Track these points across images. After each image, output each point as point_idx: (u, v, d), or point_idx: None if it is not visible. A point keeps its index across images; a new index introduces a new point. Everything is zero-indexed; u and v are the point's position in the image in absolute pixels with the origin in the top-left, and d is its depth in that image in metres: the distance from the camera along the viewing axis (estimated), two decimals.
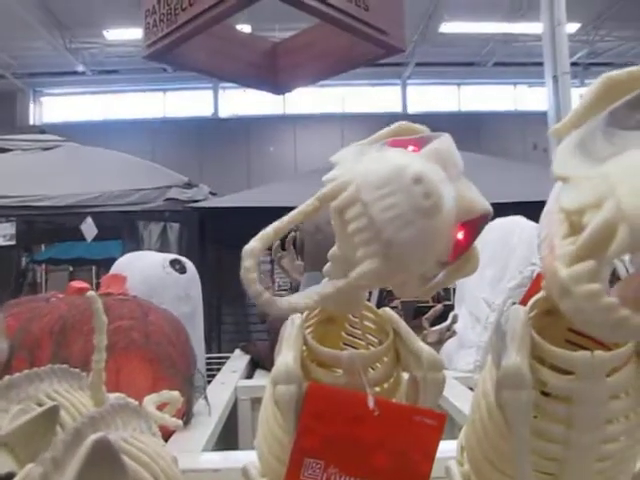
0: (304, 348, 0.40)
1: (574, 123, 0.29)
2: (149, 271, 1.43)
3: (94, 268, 6.10)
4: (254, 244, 0.30)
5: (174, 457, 0.53)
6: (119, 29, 6.39)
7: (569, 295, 0.24)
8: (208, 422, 1.00)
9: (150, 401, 0.63)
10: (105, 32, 6.52)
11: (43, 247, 6.11)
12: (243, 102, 8.74)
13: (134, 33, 5.78)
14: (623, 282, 0.25)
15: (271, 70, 3.42)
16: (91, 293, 0.46)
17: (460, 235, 0.31)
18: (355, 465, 0.36)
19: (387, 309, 0.42)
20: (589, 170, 0.25)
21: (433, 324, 1.64)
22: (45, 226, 4.33)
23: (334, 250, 0.36)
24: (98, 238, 3.90)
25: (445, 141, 0.31)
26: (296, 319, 0.40)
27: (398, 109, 9.27)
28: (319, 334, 0.45)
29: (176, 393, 0.69)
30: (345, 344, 0.46)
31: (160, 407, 0.68)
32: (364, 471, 0.36)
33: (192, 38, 2.81)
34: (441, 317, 1.67)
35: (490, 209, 0.31)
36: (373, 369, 0.41)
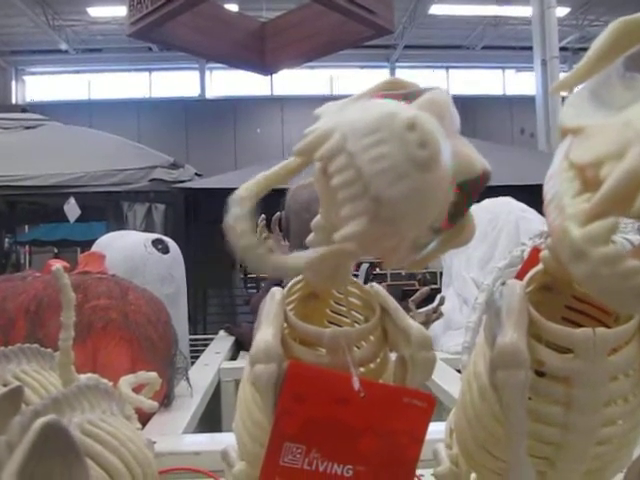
0: (285, 325, 0.37)
1: (583, 75, 0.27)
2: (130, 250, 1.39)
3: (79, 250, 6.02)
4: (241, 191, 0.26)
5: (149, 440, 0.50)
6: (103, 6, 6.25)
7: (584, 258, 0.22)
8: (189, 404, 0.98)
9: (126, 382, 0.60)
10: (89, 9, 6.37)
11: (27, 228, 6.02)
12: (230, 83, 8.64)
13: (118, 10, 5.63)
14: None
15: (258, 50, 3.35)
16: (57, 267, 0.43)
17: (457, 198, 0.28)
18: (339, 449, 0.34)
19: (375, 284, 0.39)
20: (606, 119, 0.23)
21: (419, 307, 1.62)
22: (28, 207, 4.25)
23: (317, 219, 0.33)
24: (82, 219, 3.83)
25: (440, 93, 0.28)
26: (276, 294, 0.37)
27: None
28: (302, 311, 0.42)
29: (154, 374, 0.67)
30: (330, 322, 0.43)
31: (139, 388, 0.65)
32: (349, 456, 0.34)
33: (178, 16, 2.74)
34: (427, 300, 1.65)
35: (489, 169, 0.28)
36: (359, 348, 0.38)
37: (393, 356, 0.39)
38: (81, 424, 0.37)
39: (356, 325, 0.40)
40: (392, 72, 9.39)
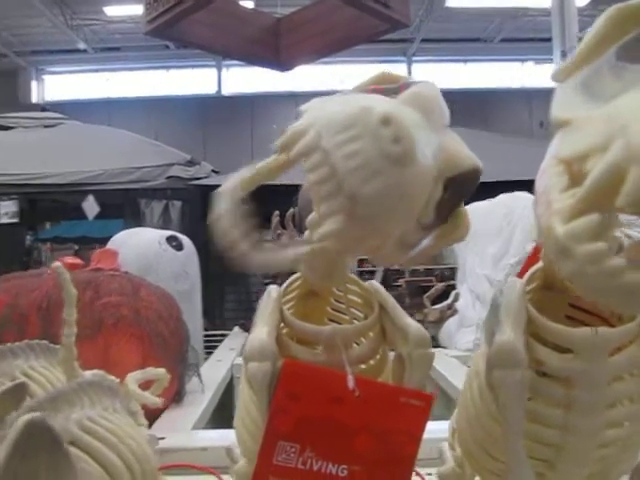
0: (283, 324, 0.37)
1: (578, 64, 0.26)
2: (144, 248, 1.40)
3: (97, 247, 6.07)
4: (222, 188, 0.26)
5: (152, 437, 0.51)
6: (120, 5, 6.29)
7: (569, 256, 0.21)
8: (201, 400, 0.98)
9: (133, 379, 0.61)
10: (105, 8, 6.41)
11: (48, 226, 6.10)
12: (247, 79, 8.65)
13: (135, 9, 5.67)
14: (634, 243, 0.22)
15: (274, 47, 3.35)
16: (57, 264, 0.43)
17: (446, 194, 0.27)
18: (334, 449, 0.33)
19: (373, 282, 0.39)
20: (593, 110, 0.22)
21: (434, 303, 1.61)
22: (48, 204, 4.31)
23: (312, 216, 0.32)
24: (100, 216, 3.88)
25: (428, 87, 0.27)
26: (273, 292, 0.37)
27: None
28: (302, 309, 0.42)
29: (162, 370, 0.67)
30: (330, 319, 0.43)
31: (148, 384, 0.65)
32: (343, 455, 0.33)
33: (193, 13, 2.75)
34: (443, 296, 1.64)
35: (479, 166, 0.27)
36: (358, 345, 0.38)
37: (393, 354, 0.39)
38: (80, 420, 0.38)
39: (355, 322, 0.40)
40: (409, 66, 9.31)
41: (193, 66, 8.73)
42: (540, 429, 0.32)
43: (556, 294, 0.37)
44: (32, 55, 7.63)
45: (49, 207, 4.35)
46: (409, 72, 9.24)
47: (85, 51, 7.50)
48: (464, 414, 0.38)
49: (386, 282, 2.03)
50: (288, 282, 0.39)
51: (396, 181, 0.24)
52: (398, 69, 9.27)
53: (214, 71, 8.90)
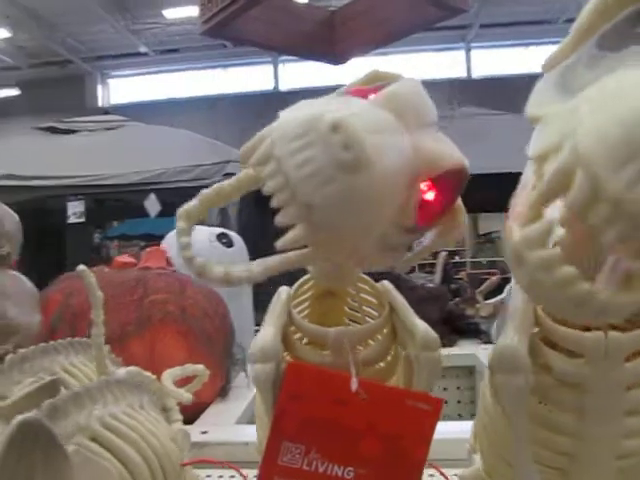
0: (293, 327, 0.37)
1: (566, 53, 0.24)
2: (195, 245, 1.44)
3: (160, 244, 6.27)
4: (189, 205, 0.27)
5: (185, 432, 0.52)
6: (178, 7, 6.45)
7: (522, 263, 0.20)
8: (245, 395, 1.00)
9: (169, 375, 0.62)
10: (164, 12, 6.59)
11: (116, 224, 6.37)
12: (303, 74, 8.68)
13: (192, 11, 5.81)
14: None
15: (328, 40, 3.33)
16: (81, 267, 0.45)
17: (430, 195, 0.26)
18: (339, 451, 0.33)
19: (385, 282, 0.38)
20: (562, 105, 0.20)
21: (487, 297, 1.57)
22: (113, 204, 4.48)
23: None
24: (163, 214, 4.00)
25: (404, 86, 0.26)
26: (282, 293, 0.37)
27: (463, 74, 8.93)
28: (319, 309, 0.42)
29: (201, 367, 0.68)
30: (350, 319, 0.43)
31: (189, 380, 0.67)
32: (349, 458, 0.33)
33: (247, 11, 2.77)
34: (499, 290, 1.60)
35: (462, 164, 0.26)
36: (372, 345, 0.37)
37: None
38: (102, 417, 0.39)
39: (370, 322, 0.39)
40: (468, 53, 9.09)
41: (250, 63, 8.84)
42: (552, 436, 0.31)
43: None
44: (97, 60, 7.95)
45: (114, 206, 4.53)
46: (468, 59, 9.02)
47: (146, 54, 7.74)
48: (480, 419, 0.37)
49: (447, 275, 2.00)
50: (299, 283, 0.40)
51: (350, 187, 0.24)
52: (457, 56, 9.07)
53: (270, 67, 8.99)
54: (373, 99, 0.26)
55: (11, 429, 0.24)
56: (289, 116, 0.26)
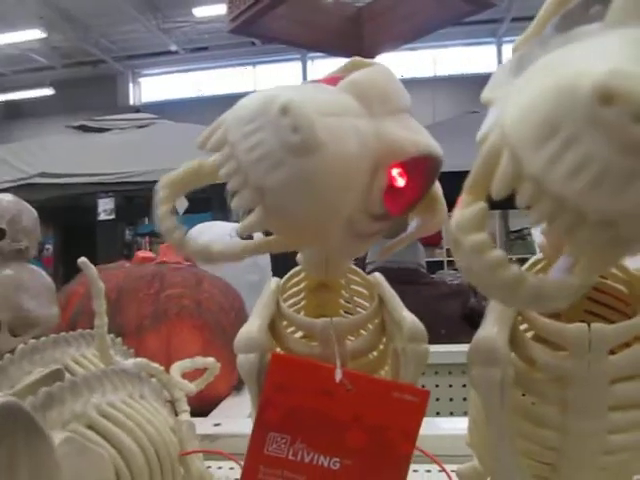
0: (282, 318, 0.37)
1: (529, 38, 0.23)
2: (217, 239, 1.45)
3: None
4: (172, 173, 0.27)
5: (190, 423, 0.52)
6: (207, 5, 6.52)
7: (458, 248, 0.19)
8: None
9: (178, 367, 0.63)
10: (194, 10, 6.67)
11: (147, 221, 6.49)
12: (332, 70, 8.68)
13: (221, 9, 5.86)
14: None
15: (356, 36, 3.32)
16: (82, 259, 0.46)
17: (400, 182, 0.26)
18: (325, 441, 0.33)
19: (376, 274, 0.38)
20: (507, 87, 0.20)
21: None
22: (142, 201, 4.56)
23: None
24: (190, 211, 4.05)
25: (370, 72, 0.26)
26: (272, 284, 0.37)
27: (494, 69, 8.80)
28: (315, 302, 0.42)
29: (211, 359, 0.69)
30: (346, 312, 0.43)
31: (200, 373, 0.68)
32: (335, 448, 0.33)
33: (274, 9, 2.79)
34: None
35: (430, 152, 0.26)
36: (361, 337, 0.37)
37: None
38: (99, 405, 0.40)
39: (362, 313, 0.39)
40: (499, 48, 8.94)
41: (278, 61, 8.88)
42: (539, 430, 0.30)
43: None
44: (128, 59, 8.08)
45: (143, 203, 4.61)
46: (499, 53, 8.88)
47: (176, 52, 7.84)
48: (471, 413, 0.36)
49: None
50: (290, 274, 0.40)
51: (300, 170, 0.23)
52: (487, 51, 8.93)
53: (299, 64, 9.01)
54: (340, 86, 0.26)
55: None
56: (244, 101, 0.26)
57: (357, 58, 0.30)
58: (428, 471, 0.49)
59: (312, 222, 0.25)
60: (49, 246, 5.02)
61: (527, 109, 0.17)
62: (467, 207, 0.19)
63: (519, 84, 0.19)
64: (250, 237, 1.20)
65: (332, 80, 0.27)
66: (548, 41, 0.20)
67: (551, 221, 0.17)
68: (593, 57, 0.16)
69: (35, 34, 6.60)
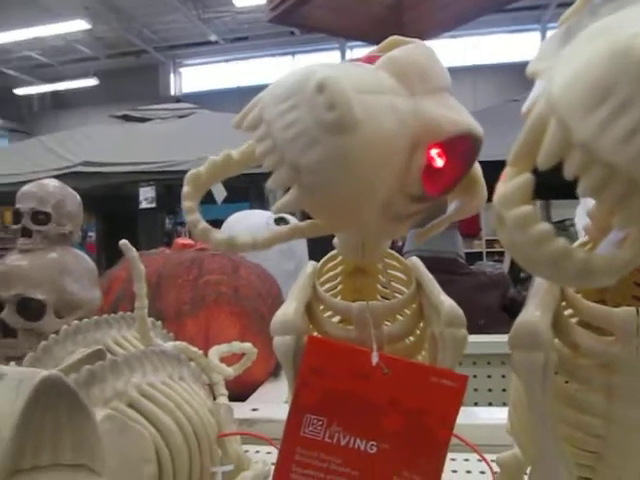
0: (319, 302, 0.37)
1: (579, 8, 0.22)
2: (253, 228, 1.46)
3: None
4: (198, 169, 0.27)
5: (227, 408, 0.53)
6: None
7: (502, 223, 0.19)
8: None
9: (216, 352, 0.64)
10: (234, 0, 6.70)
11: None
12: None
13: None
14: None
15: (397, 24, 3.29)
16: (123, 241, 0.47)
17: (439, 162, 0.25)
18: (361, 425, 0.33)
19: (414, 258, 0.38)
20: (553, 59, 0.19)
21: None
22: (182, 190, 4.63)
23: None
24: (228, 200, 4.09)
25: (409, 50, 0.25)
26: (308, 267, 0.37)
27: None
28: (352, 286, 0.42)
29: (248, 345, 0.69)
30: (383, 297, 0.42)
31: (238, 359, 0.68)
32: (372, 432, 0.33)
33: None
34: None
35: (469, 130, 0.25)
36: (398, 321, 0.37)
37: None
38: (139, 385, 0.41)
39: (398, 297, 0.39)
40: (543, 34, 8.70)
41: (317, 50, 8.85)
42: (582, 417, 0.29)
43: None
44: (169, 50, 8.19)
45: None
46: (543, 40, 8.64)
47: (216, 42, 7.90)
48: (512, 399, 0.36)
49: (516, 263, 1.95)
50: (326, 258, 0.39)
51: (335, 149, 0.23)
52: (532, 38, 8.70)
53: (338, 54, 8.96)
54: (378, 64, 0.25)
55: (34, 384, 0.26)
56: (280, 80, 0.26)
57: (396, 37, 0.29)
58: (466, 460, 0.48)
59: (348, 202, 0.24)
60: (92, 234, 5.16)
61: (576, 75, 0.16)
62: (511, 180, 0.18)
63: (566, 53, 0.18)
64: (286, 222, 1.21)
65: (370, 59, 0.27)
66: (598, 10, 0.19)
67: (601, 191, 0.16)
68: None
69: (80, 25, 6.74)
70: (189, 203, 0.28)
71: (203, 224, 0.28)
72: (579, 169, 0.17)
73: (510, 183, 0.18)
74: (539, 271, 0.19)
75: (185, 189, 0.28)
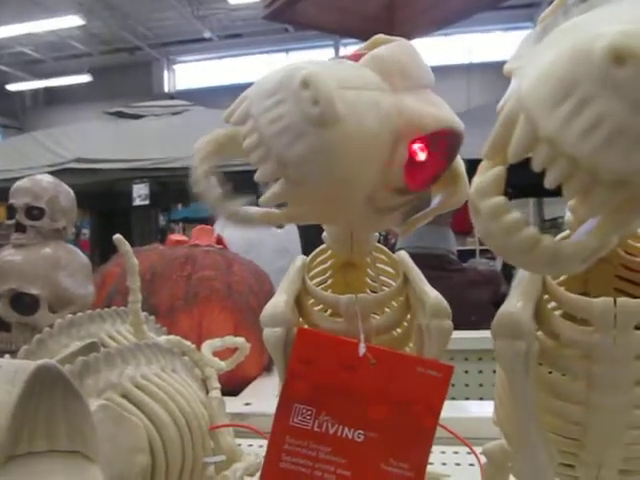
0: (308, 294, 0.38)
1: (558, 6, 0.23)
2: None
3: None
4: (207, 136, 0.28)
5: (220, 399, 0.54)
6: None
7: (477, 213, 0.20)
8: None
9: (209, 346, 0.64)
10: None
11: (180, 207, 6.60)
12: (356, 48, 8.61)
13: None
14: None
15: (389, 22, 3.30)
16: (117, 236, 0.47)
17: (421, 156, 0.26)
18: (349, 414, 0.34)
19: (401, 252, 0.38)
20: (527, 57, 0.20)
21: None
22: (176, 187, 4.62)
23: None
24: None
25: (392, 47, 0.26)
26: (298, 261, 0.38)
27: None
28: (343, 280, 0.42)
29: (241, 339, 0.70)
30: (372, 291, 0.43)
31: (231, 354, 0.69)
32: (360, 421, 0.34)
33: None
34: None
35: (451, 126, 0.26)
36: (386, 313, 0.38)
37: None
38: (133, 377, 0.41)
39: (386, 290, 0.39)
40: None
41: (311, 47, 8.84)
42: (563, 405, 0.30)
43: (603, 264, 0.34)
44: (163, 46, 8.16)
45: (177, 189, 4.67)
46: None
47: (210, 39, 7.89)
48: (497, 390, 0.37)
49: None
50: (316, 252, 0.40)
51: (321, 141, 0.24)
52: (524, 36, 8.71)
53: (332, 51, 8.96)
54: (362, 61, 0.26)
55: (29, 372, 0.26)
56: (267, 76, 0.26)
57: (380, 35, 0.30)
58: (456, 452, 0.49)
59: (333, 194, 0.25)
60: (85, 231, 5.14)
61: (543, 73, 0.17)
62: (485, 173, 0.19)
63: (537, 51, 0.19)
64: (281, 225, 1.20)
65: (355, 56, 0.27)
66: (570, 10, 0.20)
67: (566, 182, 0.17)
68: (609, 20, 0.16)
69: (74, 21, 6.71)
70: (202, 168, 0.28)
71: (215, 192, 0.28)
72: (545, 162, 0.17)
73: (484, 175, 0.19)
74: (512, 258, 0.20)
75: (198, 154, 0.28)
